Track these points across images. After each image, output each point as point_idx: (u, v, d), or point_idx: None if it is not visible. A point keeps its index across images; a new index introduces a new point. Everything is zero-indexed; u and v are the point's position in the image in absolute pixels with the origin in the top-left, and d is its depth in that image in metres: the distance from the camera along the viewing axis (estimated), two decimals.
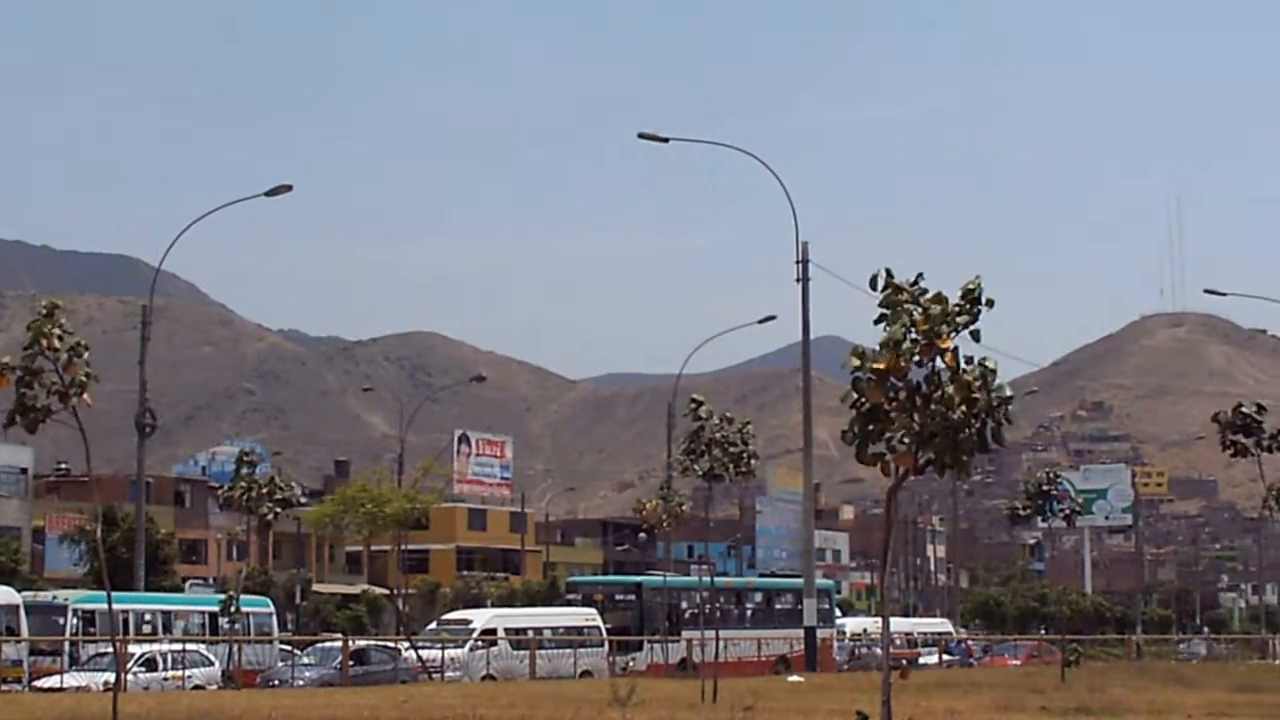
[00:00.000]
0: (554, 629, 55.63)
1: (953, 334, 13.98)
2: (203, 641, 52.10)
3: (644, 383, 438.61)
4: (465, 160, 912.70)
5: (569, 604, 62.05)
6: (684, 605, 61.42)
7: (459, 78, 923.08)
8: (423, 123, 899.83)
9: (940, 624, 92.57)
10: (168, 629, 54.44)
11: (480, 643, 51.65)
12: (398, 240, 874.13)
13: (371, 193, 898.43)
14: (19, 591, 53.56)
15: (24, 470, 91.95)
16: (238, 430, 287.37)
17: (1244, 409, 30.47)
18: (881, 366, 13.83)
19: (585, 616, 57.16)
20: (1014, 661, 73.08)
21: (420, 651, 50.01)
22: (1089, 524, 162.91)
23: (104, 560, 28.27)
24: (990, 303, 14.08)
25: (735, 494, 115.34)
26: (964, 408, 13.99)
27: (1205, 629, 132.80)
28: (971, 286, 14.14)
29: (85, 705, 30.38)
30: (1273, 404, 32.41)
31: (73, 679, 43.25)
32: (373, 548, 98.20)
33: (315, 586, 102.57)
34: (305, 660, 51.10)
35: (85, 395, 20.53)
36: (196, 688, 45.09)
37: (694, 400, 32.71)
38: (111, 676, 30.59)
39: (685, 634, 57.91)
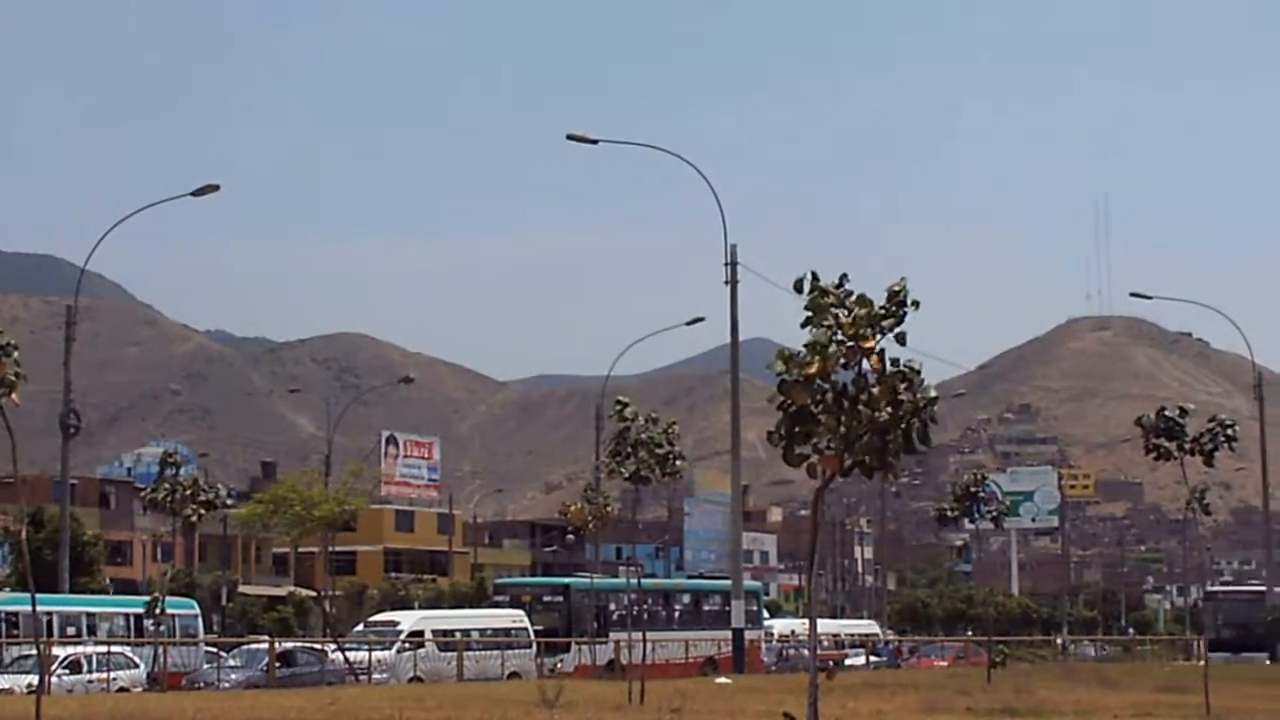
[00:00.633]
0: (481, 631, 55.60)
1: (878, 336, 14.01)
2: (127, 644, 51.75)
3: (574, 384, 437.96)
4: (392, 160, 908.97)
5: (497, 606, 62.05)
6: (612, 607, 61.40)
7: (386, 78, 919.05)
8: (351, 123, 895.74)
9: (867, 625, 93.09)
10: (92, 631, 54.06)
11: (408, 644, 51.60)
12: (325, 241, 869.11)
13: (299, 193, 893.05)
14: None
15: None
16: (164, 431, 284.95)
17: (1167, 412, 30.62)
18: (809, 370, 13.85)
19: (513, 618, 57.13)
20: (941, 663, 73.42)
21: (347, 653, 49.89)
22: (1016, 526, 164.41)
23: (28, 562, 28.01)
24: (916, 304, 14.10)
25: (664, 496, 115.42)
26: (890, 410, 14.02)
27: (1131, 630, 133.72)
28: (897, 288, 14.14)
29: (8, 708, 30.18)
30: (1197, 407, 32.53)
31: None
32: (300, 549, 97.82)
33: (241, 588, 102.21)
34: (231, 662, 50.90)
35: (13, 395, 20.33)
36: (121, 690, 44.81)
37: (619, 402, 32.48)
38: (35, 679, 30.38)
39: (613, 635, 58.01)
